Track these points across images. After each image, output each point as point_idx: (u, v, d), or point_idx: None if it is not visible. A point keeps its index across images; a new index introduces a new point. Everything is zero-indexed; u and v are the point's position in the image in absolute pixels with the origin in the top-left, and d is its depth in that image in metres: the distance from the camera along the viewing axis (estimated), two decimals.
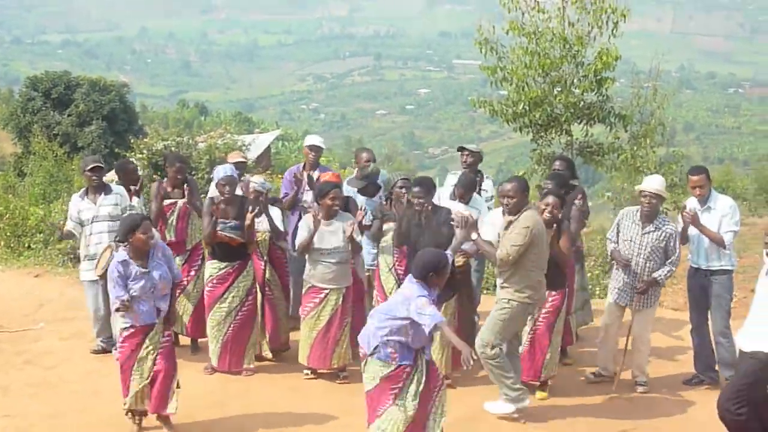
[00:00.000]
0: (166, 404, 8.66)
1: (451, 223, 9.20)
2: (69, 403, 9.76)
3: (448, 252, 8.38)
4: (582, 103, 14.84)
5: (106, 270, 9.07)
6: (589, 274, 13.90)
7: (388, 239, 10.09)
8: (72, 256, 16.26)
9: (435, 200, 10.54)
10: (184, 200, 11.07)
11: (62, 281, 15.68)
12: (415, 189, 9.70)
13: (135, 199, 11.37)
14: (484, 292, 12.36)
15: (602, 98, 14.86)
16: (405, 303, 7.46)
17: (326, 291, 10.15)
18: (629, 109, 15.46)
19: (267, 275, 11.01)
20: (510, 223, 8.98)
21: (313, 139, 12.01)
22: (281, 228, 11.00)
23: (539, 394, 9.89)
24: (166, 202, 11.05)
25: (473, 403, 9.44)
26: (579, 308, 11.31)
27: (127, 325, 8.46)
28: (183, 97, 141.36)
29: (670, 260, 9.84)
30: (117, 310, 8.34)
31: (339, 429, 9.04)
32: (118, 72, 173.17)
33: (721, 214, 9.88)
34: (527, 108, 14.70)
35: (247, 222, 10.08)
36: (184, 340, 11.38)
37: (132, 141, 22.96)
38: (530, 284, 8.93)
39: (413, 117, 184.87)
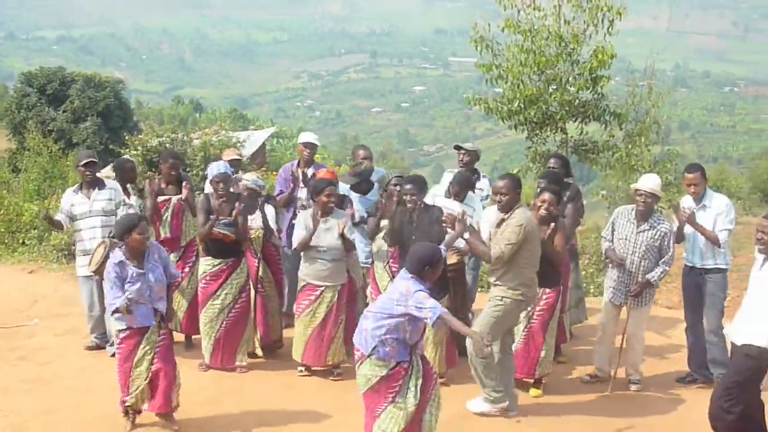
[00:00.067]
0: (170, 404, 8.68)
1: (443, 223, 9.21)
2: (63, 399, 9.74)
3: (441, 247, 8.39)
4: (577, 101, 14.85)
5: (99, 266, 9.08)
6: (583, 272, 13.92)
7: (382, 236, 10.10)
8: (66, 252, 16.24)
9: (430, 198, 10.57)
10: (179, 197, 11.05)
11: (56, 277, 15.66)
12: (407, 186, 9.71)
13: (134, 199, 11.37)
14: (480, 290, 12.35)
15: (597, 96, 14.86)
16: (402, 299, 7.44)
17: (321, 288, 10.15)
18: (624, 108, 15.47)
19: (260, 272, 11.00)
20: (502, 220, 8.99)
21: (307, 136, 12.00)
22: (274, 226, 11.00)
23: (533, 392, 9.91)
24: (160, 198, 11.04)
25: (467, 399, 9.44)
26: (573, 306, 11.34)
27: (124, 327, 8.45)
28: (178, 93, 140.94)
29: (663, 260, 9.84)
30: (115, 312, 8.33)
31: (333, 426, 9.04)
32: (113, 68, 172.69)
33: (716, 212, 9.90)
34: (522, 106, 14.71)
35: (233, 217, 10.07)
36: (178, 337, 11.35)
37: (127, 137, 22.96)
38: (523, 281, 8.93)
39: (408, 114, 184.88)
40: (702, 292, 10.10)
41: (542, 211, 9.35)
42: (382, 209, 10.15)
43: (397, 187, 10.02)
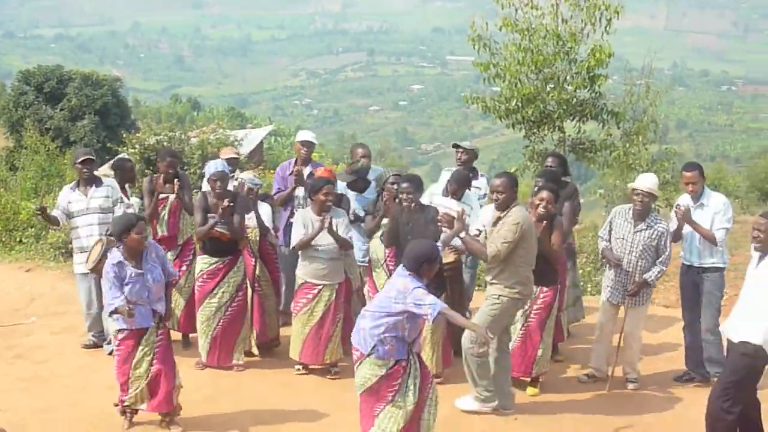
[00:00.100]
0: (171, 404, 8.69)
1: (438, 222, 9.22)
2: (61, 397, 9.75)
3: (438, 244, 8.40)
4: (575, 99, 14.84)
5: (97, 264, 9.06)
6: (581, 271, 13.93)
7: (379, 236, 10.11)
8: (64, 250, 16.23)
9: (428, 196, 10.58)
10: (174, 196, 11.05)
11: (54, 275, 15.65)
12: (404, 185, 9.72)
13: (134, 200, 11.37)
14: (477, 288, 12.36)
15: (595, 95, 14.86)
16: (400, 297, 7.44)
17: (319, 287, 10.15)
18: (622, 106, 15.45)
19: (257, 271, 11.00)
20: (498, 219, 8.99)
21: (305, 135, 11.99)
22: (270, 224, 10.99)
23: (530, 390, 9.92)
24: (160, 196, 11.04)
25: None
26: (570, 305, 11.35)
27: (122, 328, 8.44)
28: (176, 91, 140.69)
29: (660, 259, 9.84)
30: (113, 312, 8.32)
31: (331, 425, 9.05)
32: (111, 66, 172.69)
33: (714, 211, 9.90)
34: (520, 104, 14.70)
35: (219, 210, 10.03)
36: (175, 335, 11.33)
37: (124, 136, 22.95)
38: (519, 280, 8.94)
39: (406, 113, 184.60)
40: (699, 290, 10.10)
41: (540, 209, 9.36)
42: (384, 209, 10.15)
43: (395, 186, 10.02)
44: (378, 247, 10.10)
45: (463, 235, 8.99)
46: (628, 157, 15.39)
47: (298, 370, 10.49)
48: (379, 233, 10.10)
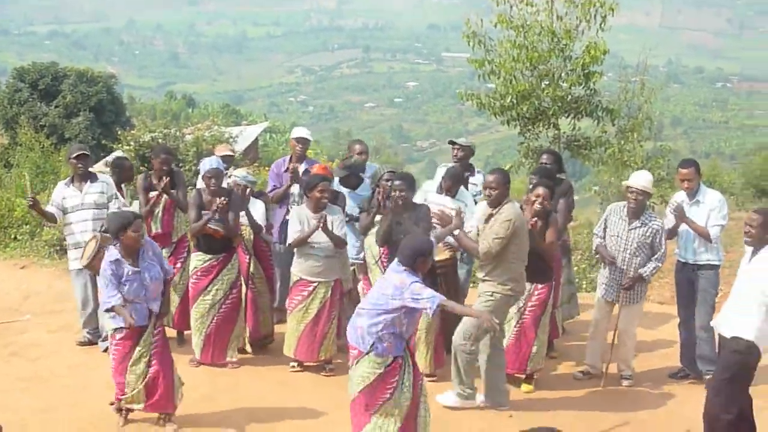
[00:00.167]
0: (172, 404, 8.70)
1: (432, 221, 9.23)
2: (59, 397, 9.73)
3: (432, 239, 8.42)
4: (569, 96, 14.85)
5: (91, 260, 9.05)
6: (575, 268, 13.95)
7: (374, 232, 10.10)
8: (59, 247, 16.21)
9: (422, 193, 10.58)
10: (164, 192, 11.02)
11: (49, 273, 15.64)
12: (397, 183, 9.71)
13: (134, 202, 11.36)
14: (472, 285, 12.36)
15: (590, 92, 14.88)
16: (397, 293, 7.44)
17: (315, 284, 10.14)
18: (617, 103, 15.48)
19: (251, 268, 11.00)
20: (491, 215, 9.00)
21: (300, 132, 11.97)
22: (263, 221, 10.98)
23: (525, 387, 9.93)
24: (152, 194, 11.02)
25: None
26: (565, 302, 11.36)
27: (120, 326, 8.41)
28: (171, 88, 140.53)
29: (655, 256, 9.86)
30: (109, 310, 8.31)
31: (328, 422, 9.05)
32: (106, 63, 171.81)
33: (710, 208, 9.91)
34: (515, 101, 14.72)
35: (213, 207, 10.03)
36: (170, 333, 11.34)
37: (119, 133, 22.99)
38: (512, 276, 8.96)
39: (402, 110, 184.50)
40: (694, 288, 10.11)
41: (536, 206, 9.36)
42: (378, 206, 10.14)
43: (390, 183, 10.02)
44: (373, 245, 10.09)
45: (457, 232, 9.01)
46: (622, 154, 15.41)
47: (293, 367, 10.49)
48: (373, 230, 10.08)
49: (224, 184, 10.46)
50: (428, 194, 10.74)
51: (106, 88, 43.12)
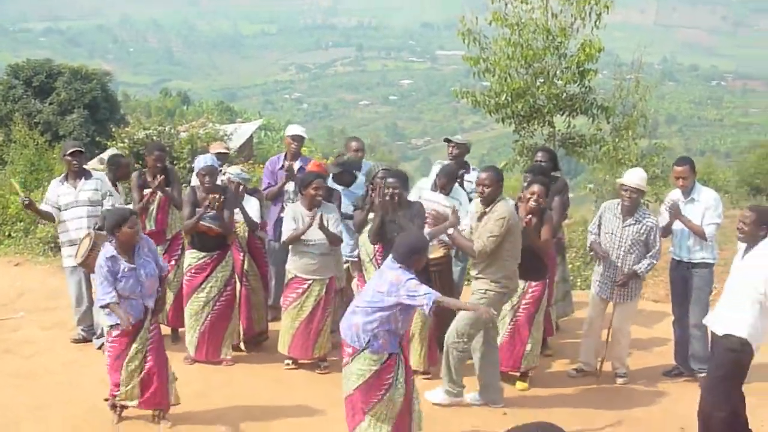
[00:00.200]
0: (167, 400, 8.71)
1: (426, 220, 9.24)
2: (53, 394, 9.72)
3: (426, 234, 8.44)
4: (564, 94, 14.86)
5: (85, 258, 9.03)
6: (570, 266, 13.96)
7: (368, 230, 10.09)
8: (53, 244, 16.19)
9: (417, 191, 10.57)
10: (160, 189, 11.00)
11: (43, 270, 15.62)
12: (390, 180, 9.70)
13: (128, 201, 11.36)
14: (466, 283, 12.36)
15: (585, 90, 14.88)
16: (392, 289, 7.44)
17: (309, 282, 10.14)
18: (612, 101, 15.50)
19: (245, 266, 10.99)
20: (483, 213, 9.00)
21: (294, 129, 11.98)
22: (257, 219, 10.97)
23: (520, 385, 9.93)
24: (146, 191, 11.00)
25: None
26: (560, 299, 11.35)
27: (115, 323, 8.39)
28: (165, 85, 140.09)
29: (650, 253, 9.86)
30: (105, 306, 8.30)
31: (323, 420, 9.06)
32: (101, 60, 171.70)
33: (705, 206, 9.89)
34: (510, 99, 14.71)
35: (216, 206, 10.01)
36: (164, 330, 11.32)
37: (114, 130, 22.93)
38: (506, 274, 8.97)
39: (396, 108, 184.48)
40: (689, 286, 10.10)
41: (532, 203, 9.36)
42: (371, 203, 10.12)
43: (383, 180, 10.01)
44: (367, 242, 10.08)
45: (451, 231, 9.02)
46: (617, 152, 15.43)
47: (288, 364, 10.48)
48: (367, 227, 10.07)
49: (218, 182, 10.45)
50: (423, 192, 10.73)
51: (100, 85, 43.11)
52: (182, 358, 10.50)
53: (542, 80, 14.72)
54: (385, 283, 7.50)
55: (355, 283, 10.67)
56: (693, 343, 10.09)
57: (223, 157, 12.23)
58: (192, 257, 10.40)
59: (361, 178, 11.13)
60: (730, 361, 7.86)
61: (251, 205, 10.88)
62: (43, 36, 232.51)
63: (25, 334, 12.01)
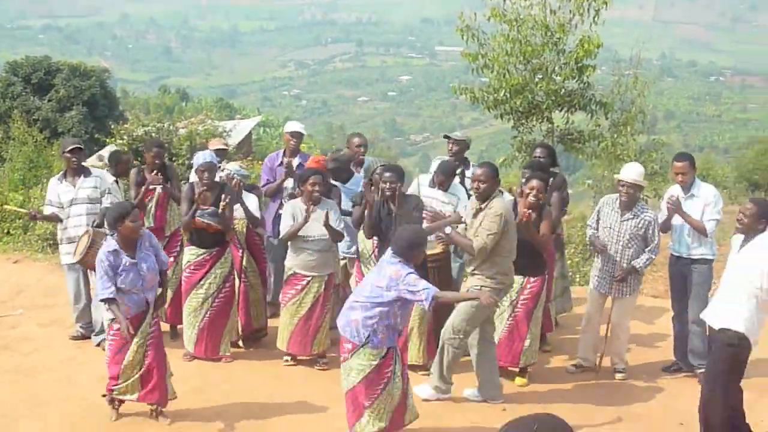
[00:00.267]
0: (165, 396, 8.71)
1: (423, 217, 9.26)
2: (51, 391, 9.72)
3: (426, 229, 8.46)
4: (563, 90, 14.84)
5: (84, 255, 9.03)
6: (569, 262, 13.94)
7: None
8: (51, 241, 16.17)
9: (415, 186, 10.57)
10: (161, 186, 11.00)
11: (41, 267, 15.59)
12: (387, 174, 9.69)
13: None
14: (465, 280, 12.36)
15: (583, 86, 14.86)
16: (392, 284, 7.45)
17: (308, 278, 10.14)
18: (610, 97, 15.45)
19: (244, 262, 10.99)
20: (479, 210, 8.99)
21: (293, 126, 11.98)
22: (257, 215, 10.96)
23: (519, 381, 9.93)
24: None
25: (453, 389, 9.46)
26: (558, 295, 11.35)
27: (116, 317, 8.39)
28: (164, 82, 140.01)
29: (649, 248, 9.85)
30: (103, 301, 8.29)
31: (321, 416, 9.06)
32: (99, 57, 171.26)
33: (704, 202, 9.88)
34: (508, 95, 14.68)
35: (220, 209, 10.03)
36: (163, 327, 11.31)
37: (112, 127, 22.86)
38: (501, 270, 8.96)
39: (395, 104, 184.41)
40: (688, 281, 10.10)
41: (531, 198, 9.35)
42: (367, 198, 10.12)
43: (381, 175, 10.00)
44: (366, 238, 10.09)
45: (449, 230, 9.03)
46: (616, 148, 15.40)
47: (287, 361, 10.48)
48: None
49: (217, 178, 10.44)
50: (421, 188, 10.73)
51: (99, 82, 43.09)
52: (181, 354, 10.49)
53: (541, 76, 14.70)
54: (384, 277, 7.51)
55: (353, 279, 10.66)
56: (692, 339, 10.09)
57: (222, 154, 12.23)
58: (191, 254, 10.40)
59: (358, 174, 11.13)
60: (729, 355, 7.86)
61: (250, 201, 10.88)
62: (41, 33, 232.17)
63: (24, 331, 12.01)
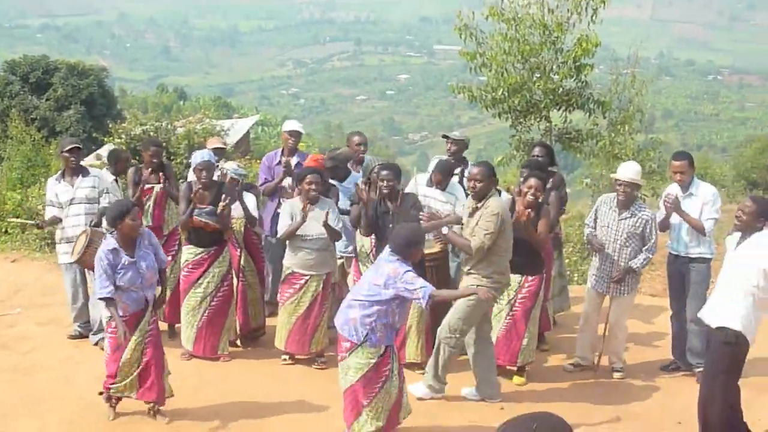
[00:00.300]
0: (163, 394, 8.70)
1: (420, 217, 9.26)
2: (49, 390, 9.72)
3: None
4: (561, 89, 14.84)
5: (81, 255, 9.02)
6: (567, 261, 13.93)
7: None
8: (49, 241, 16.16)
9: (413, 185, 10.57)
10: (161, 186, 11.00)
11: (39, 266, 15.58)
12: (384, 172, 9.70)
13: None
14: (462, 279, 12.36)
15: (581, 84, 14.87)
16: (390, 282, 7.46)
17: (306, 277, 10.12)
18: (608, 96, 15.45)
19: (242, 261, 10.98)
20: (475, 209, 8.98)
21: (291, 125, 11.98)
22: (255, 214, 10.96)
23: (517, 380, 9.93)
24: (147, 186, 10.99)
25: (450, 388, 9.46)
26: (556, 294, 11.36)
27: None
28: (162, 81, 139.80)
29: (646, 247, 9.84)
30: (101, 299, 8.28)
31: (319, 415, 9.05)
32: (98, 56, 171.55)
33: (703, 201, 9.86)
34: (506, 94, 14.69)
35: (219, 209, 10.03)
36: (161, 326, 11.32)
37: (110, 126, 22.87)
38: (497, 269, 8.96)
39: (393, 102, 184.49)
40: (686, 280, 10.09)
41: (529, 197, 9.35)
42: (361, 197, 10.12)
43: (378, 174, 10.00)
44: (364, 237, 10.09)
45: (445, 230, 9.03)
46: (614, 147, 15.40)
47: (285, 360, 10.48)
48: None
49: (215, 177, 10.44)
50: (419, 187, 10.73)
51: (97, 81, 43.11)
52: (179, 353, 10.49)
53: (539, 75, 14.70)
54: (382, 275, 7.52)
55: (351, 278, 10.66)
56: (690, 338, 10.09)
57: (220, 153, 12.23)
58: (189, 253, 10.40)
59: (356, 173, 11.14)
60: (726, 354, 7.85)
61: (248, 200, 10.87)
62: (39, 32, 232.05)
63: (22, 330, 12.00)
